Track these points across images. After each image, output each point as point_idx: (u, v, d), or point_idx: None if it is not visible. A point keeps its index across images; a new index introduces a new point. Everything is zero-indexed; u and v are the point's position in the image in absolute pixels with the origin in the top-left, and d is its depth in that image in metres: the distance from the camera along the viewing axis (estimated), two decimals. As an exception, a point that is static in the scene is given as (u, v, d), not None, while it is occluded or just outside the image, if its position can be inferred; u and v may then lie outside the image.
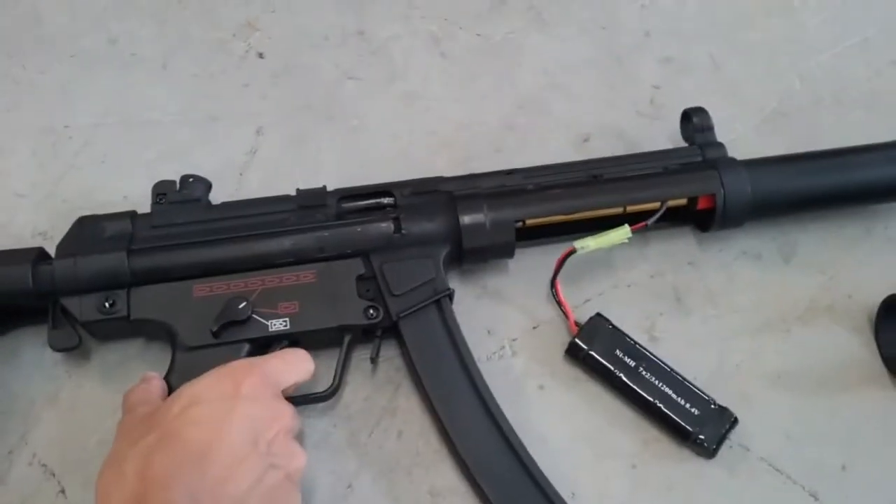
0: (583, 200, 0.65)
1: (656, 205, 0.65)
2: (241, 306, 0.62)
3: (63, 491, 0.62)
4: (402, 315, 0.63)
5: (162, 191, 0.66)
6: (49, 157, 0.74)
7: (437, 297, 0.63)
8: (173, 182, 0.66)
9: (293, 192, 0.67)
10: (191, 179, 0.66)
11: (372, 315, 0.63)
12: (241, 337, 0.62)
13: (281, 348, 0.62)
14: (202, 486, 0.49)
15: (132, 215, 0.65)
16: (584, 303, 0.69)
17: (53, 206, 0.72)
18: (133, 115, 0.77)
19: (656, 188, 0.66)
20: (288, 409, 0.55)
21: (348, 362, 0.65)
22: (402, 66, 0.80)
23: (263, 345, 0.63)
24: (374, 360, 0.64)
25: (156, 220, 0.65)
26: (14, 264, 0.62)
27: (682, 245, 0.72)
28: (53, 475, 0.62)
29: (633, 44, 0.82)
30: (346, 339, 0.63)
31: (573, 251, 0.64)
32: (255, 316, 0.62)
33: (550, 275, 0.67)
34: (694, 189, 0.66)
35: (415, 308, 0.63)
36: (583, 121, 0.78)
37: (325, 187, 0.67)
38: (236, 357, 0.61)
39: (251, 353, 0.62)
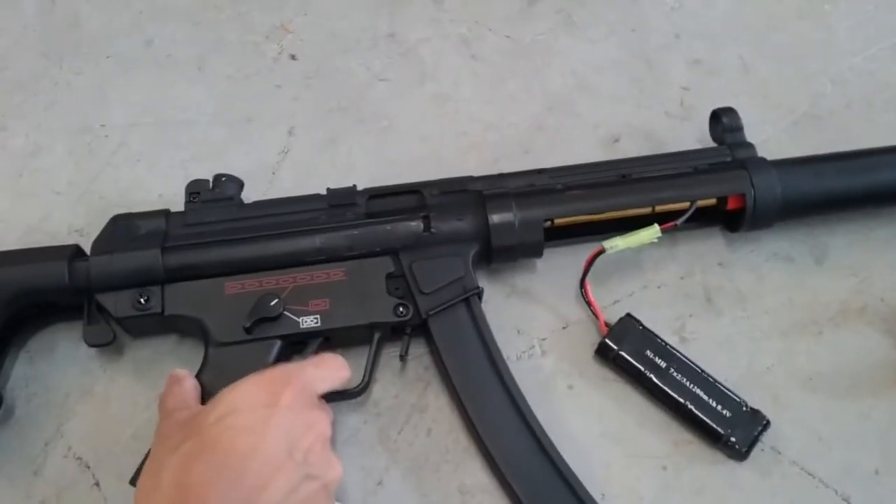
0: (611, 200, 0.66)
1: (685, 205, 0.66)
2: (273, 303, 0.62)
3: (97, 484, 0.63)
4: (431, 313, 0.63)
5: (195, 189, 0.67)
6: (85, 156, 0.76)
7: (466, 296, 0.64)
8: (206, 181, 0.67)
9: (324, 192, 0.68)
10: (224, 179, 0.67)
11: (401, 313, 0.63)
12: (272, 333, 0.62)
13: (314, 348, 0.63)
14: (239, 494, 0.49)
15: (166, 213, 0.66)
16: (613, 303, 0.69)
17: (89, 203, 0.73)
18: (168, 116, 0.78)
19: (685, 188, 0.66)
20: (324, 418, 0.55)
21: (378, 360, 0.65)
22: (432, 68, 0.81)
23: (295, 342, 0.63)
24: (403, 358, 0.65)
25: (189, 219, 0.66)
26: (51, 261, 0.63)
27: (711, 246, 0.71)
28: (88, 468, 0.63)
29: (662, 45, 0.82)
30: (376, 336, 0.64)
31: (602, 251, 0.64)
32: (286, 313, 0.63)
33: (579, 275, 0.67)
34: (723, 189, 0.66)
35: (444, 306, 0.63)
36: (612, 122, 0.78)
37: (354, 186, 0.68)
38: (268, 353, 0.62)
39: (283, 351, 0.63)
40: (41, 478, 0.63)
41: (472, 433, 0.63)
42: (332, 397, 0.62)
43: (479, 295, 0.65)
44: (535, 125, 0.78)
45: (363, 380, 0.63)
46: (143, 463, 0.59)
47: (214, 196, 0.67)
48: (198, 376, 0.61)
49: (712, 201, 0.66)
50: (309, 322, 0.63)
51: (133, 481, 0.59)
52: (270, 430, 0.51)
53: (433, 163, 0.75)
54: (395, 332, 0.65)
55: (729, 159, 0.68)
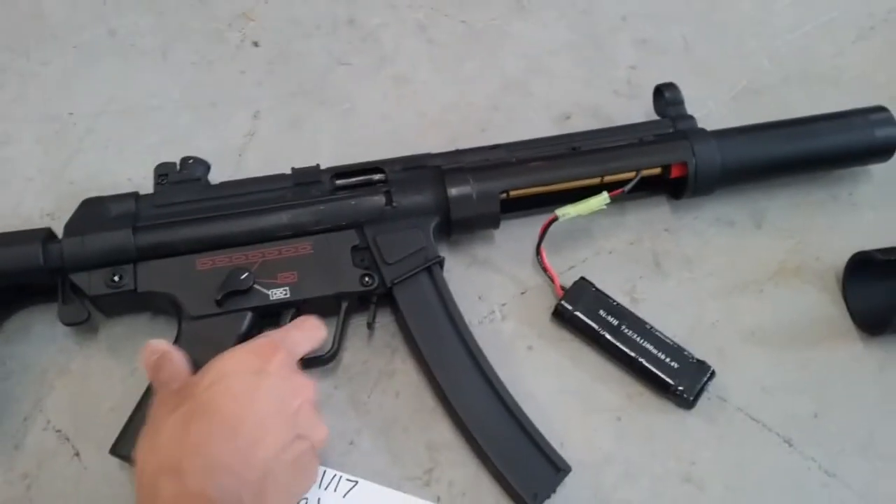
0: (563, 171, 0.69)
1: (632, 174, 0.70)
2: (243, 277, 0.65)
3: (77, 454, 0.65)
4: (396, 281, 0.66)
5: (163, 172, 0.69)
6: (54, 144, 0.78)
7: (428, 264, 0.67)
8: (174, 164, 0.69)
9: (289, 172, 0.71)
10: (190, 161, 0.70)
11: (367, 282, 0.67)
12: (243, 306, 0.65)
13: (286, 320, 0.66)
14: (234, 451, 0.52)
15: (136, 195, 0.68)
16: (567, 269, 0.73)
17: (60, 188, 0.75)
18: (135, 103, 0.80)
19: (632, 158, 0.70)
20: (310, 383, 0.58)
21: (346, 327, 0.68)
22: (391, 52, 0.84)
23: (264, 314, 0.66)
24: (370, 326, 0.68)
25: (158, 200, 0.68)
26: (25, 243, 0.65)
27: (658, 213, 0.76)
28: (67, 440, 0.66)
29: (610, 27, 0.86)
30: (344, 305, 0.67)
31: (555, 218, 0.68)
32: (256, 286, 0.65)
33: (535, 243, 0.71)
34: (667, 158, 0.70)
35: (408, 275, 0.67)
36: (563, 100, 0.82)
37: (318, 165, 0.71)
38: (240, 325, 0.65)
39: (254, 322, 0.66)
40: (22, 451, 0.65)
41: (439, 394, 0.66)
42: (305, 364, 0.65)
43: (441, 264, 0.68)
44: (490, 105, 0.82)
45: (332, 347, 0.66)
46: (122, 432, 0.62)
47: (182, 177, 0.69)
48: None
49: (657, 170, 0.71)
50: (278, 294, 0.66)
51: (113, 450, 0.62)
52: (261, 394, 0.54)
53: (394, 142, 0.77)
54: (361, 301, 0.68)
55: (671, 131, 0.72)
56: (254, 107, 0.81)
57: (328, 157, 0.73)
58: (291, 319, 0.66)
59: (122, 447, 0.61)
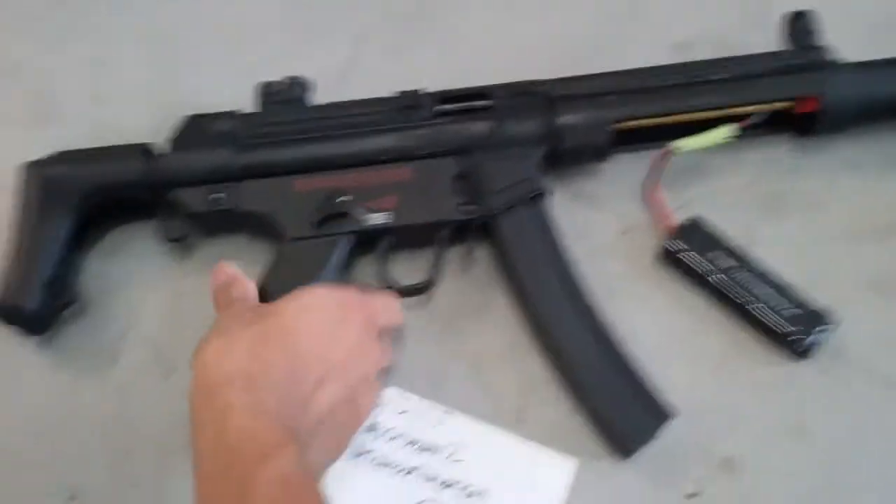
0: (682, 101, 0.65)
1: (758, 108, 0.64)
2: (342, 199, 0.63)
3: (170, 372, 0.65)
4: (498, 212, 0.64)
5: (266, 90, 0.68)
6: (155, 60, 0.77)
7: (533, 195, 0.64)
8: (277, 83, 0.68)
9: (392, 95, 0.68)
10: (294, 80, 0.68)
11: (468, 211, 0.64)
12: (342, 230, 0.64)
13: (383, 248, 0.65)
14: (299, 385, 0.52)
15: (239, 114, 0.67)
16: (678, 208, 0.68)
17: (160, 104, 0.74)
18: (236, 21, 0.79)
19: (759, 89, 0.65)
20: (377, 351, 0.58)
21: (443, 257, 0.66)
22: (499, -26, 0.80)
23: (362, 239, 0.65)
24: (468, 257, 0.66)
25: (261, 119, 0.67)
26: (128, 158, 0.66)
27: (778, 154, 0.70)
28: (161, 357, 0.66)
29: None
30: (443, 234, 0.65)
31: (670, 152, 0.63)
32: (355, 210, 0.64)
33: (643, 181, 0.67)
34: (798, 89, 0.65)
35: (511, 205, 0.64)
36: (681, 30, 0.76)
37: (422, 89, 0.68)
38: (337, 249, 0.64)
39: (351, 247, 0.64)
40: (117, 366, 0.66)
41: (537, 330, 0.64)
42: (402, 292, 0.64)
43: (546, 195, 0.65)
44: (602, 32, 0.77)
45: (430, 275, 0.64)
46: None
47: (285, 97, 0.67)
48: (268, 272, 0.63)
49: (786, 104, 0.65)
50: (378, 219, 0.64)
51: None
52: (336, 344, 0.54)
53: (500, 69, 0.73)
54: (460, 231, 0.66)
55: (803, 62, 0.67)
56: (356, 29, 0.78)
57: (430, 83, 0.69)
58: (388, 249, 0.65)
59: None
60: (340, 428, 0.55)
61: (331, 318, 0.55)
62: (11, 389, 0.65)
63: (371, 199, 0.64)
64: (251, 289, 0.59)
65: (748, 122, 0.64)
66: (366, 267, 0.67)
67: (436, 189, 0.65)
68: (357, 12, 0.79)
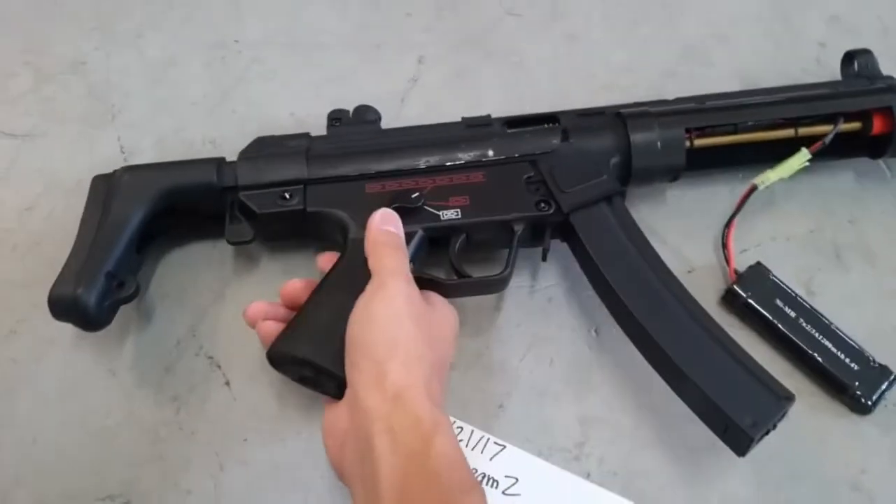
0: (756, 114, 0.65)
1: (828, 128, 0.65)
2: (414, 195, 0.63)
3: (227, 383, 0.64)
4: (574, 209, 0.63)
5: (336, 117, 0.68)
6: (220, 70, 0.77)
7: (609, 194, 0.64)
8: (347, 111, 0.68)
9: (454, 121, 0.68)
10: (363, 109, 0.68)
11: (543, 207, 0.64)
12: (413, 225, 0.63)
13: (455, 246, 0.63)
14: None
15: (308, 136, 0.67)
16: (741, 252, 0.68)
17: (223, 115, 0.75)
18: (301, 37, 0.79)
19: (833, 104, 0.66)
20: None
21: (517, 253, 0.64)
22: (564, 7, 0.81)
23: (434, 235, 0.63)
24: (545, 253, 0.65)
25: (331, 141, 0.67)
26: (201, 164, 0.65)
27: (843, 201, 0.71)
28: (219, 367, 0.65)
29: (801, 1, 0.80)
30: (518, 229, 0.63)
31: (754, 188, 0.64)
32: (426, 206, 0.63)
33: (709, 218, 0.68)
34: (870, 103, 0.65)
35: (587, 203, 0.63)
36: (746, 73, 0.77)
37: (489, 115, 0.68)
38: (409, 245, 0.61)
39: (422, 244, 0.63)
40: (173, 374, 0.65)
41: (626, 323, 0.61)
42: (478, 289, 0.63)
43: (623, 195, 0.64)
44: (666, 70, 0.77)
45: (506, 269, 0.63)
46: (284, 331, 0.59)
47: (355, 122, 0.67)
48: (336, 268, 0.61)
49: (857, 125, 0.66)
50: (449, 215, 0.63)
51: (271, 352, 0.59)
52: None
53: (562, 101, 0.73)
54: (534, 233, 0.65)
55: (872, 87, 0.67)
56: (419, 52, 0.78)
57: (492, 111, 0.70)
58: (461, 246, 0.63)
59: (284, 346, 0.58)
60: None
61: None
62: (69, 393, 0.64)
63: (444, 198, 0.64)
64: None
65: (820, 143, 0.64)
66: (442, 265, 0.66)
67: (509, 188, 0.64)
68: (420, 35, 0.79)
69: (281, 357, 0.58)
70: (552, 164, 0.64)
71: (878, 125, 0.66)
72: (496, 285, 0.64)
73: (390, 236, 0.59)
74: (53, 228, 0.70)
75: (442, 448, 0.48)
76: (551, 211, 0.63)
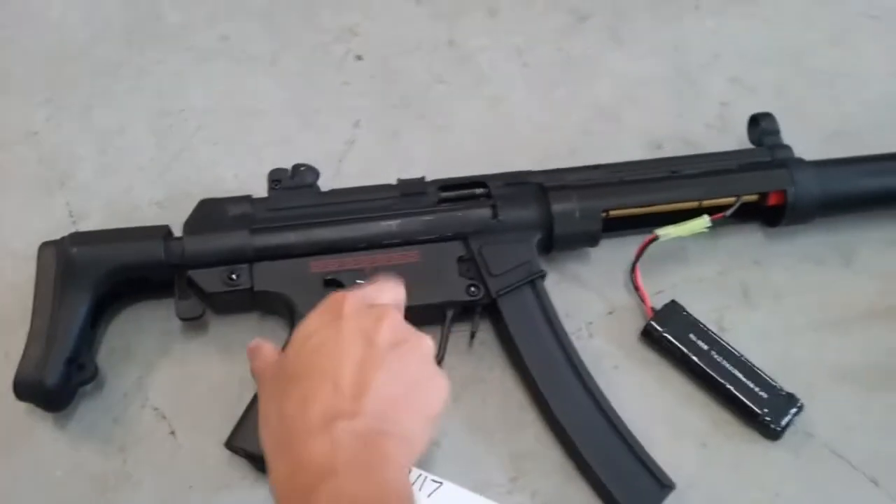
0: (664, 193, 0.71)
1: (730, 200, 0.71)
2: (357, 281, 0.67)
3: (173, 432, 0.67)
4: (501, 293, 0.68)
5: (276, 177, 0.71)
6: (166, 137, 0.81)
7: (532, 278, 0.69)
8: (286, 170, 0.71)
9: (388, 181, 0.73)
10: (302, 168, 0.72)
11: (473, 292, 0.68)
12: None
13: None
14: (342, 398, 0.50)
15: (250, 199, 0.70)
16: (656, 293, 0.73)
17: (169, 179, 0.78)
18: (242, 105, 0.84)
19: (732, 184, 0.71)
20: (390, 308, 0.55)
21: (449, 336, 0.69)
22: (488, 73, 0.87)
23: None
24: (473, 335, 0.70)
25: (272, 204, 0.70)
26: (147, 239, 0.68)
27: (748, 245, 0.76)
28: (164, 418, 0.67)
29: (702, 64, 0.88)
30: (449, 314, 0.68)
31: (655, 238, 0.69)
32: None
33: (627, 265, 0.73)
34: (767, 185, 0.71)
35: (512, 287, 0.68)
36: (655, 130, 0.83)
37: (423, 177, 0.73)
38: None
39: None
40: (120, 425, 0.67)
41: (539, 404, 0.67)
42: None
43: (543, 277, 0.69)
44: (582, 129, 0.84)
45: (437, 354, 0.66)
46: (237, 426, 0.64)
47: (294, 184, 0.71)
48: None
49: (755, 197, 0.72)
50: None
51: (228, 444, 0.63)
52: (344, 335, 0.52)
53: (488, 159, 0.79)
54: (465, 311, 0.69)
55: (769, 159, 0.74)
56: (355, 116, 0.84)
57: (424, 170, 0.75)
58: None
59: (237, 440, 0.63)
60: (413, 383, 0.53)
61: (326, 325, 0.54)
62: (18, 445, 0.66)
63: None
64: (268, 351, 0.58)
65: (721, 215, 0.70)
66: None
67: (442, 271, 0.69)
68: (356, 100, 0.85)
69: (234, 450, 0.64)
70: (482, 243, 0.69)
71: (773, 199, 0.72)
72: None
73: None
74: (3, 293, 0.72)
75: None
76: (481, 295, 0.68)
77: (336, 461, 0.47)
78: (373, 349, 0.52)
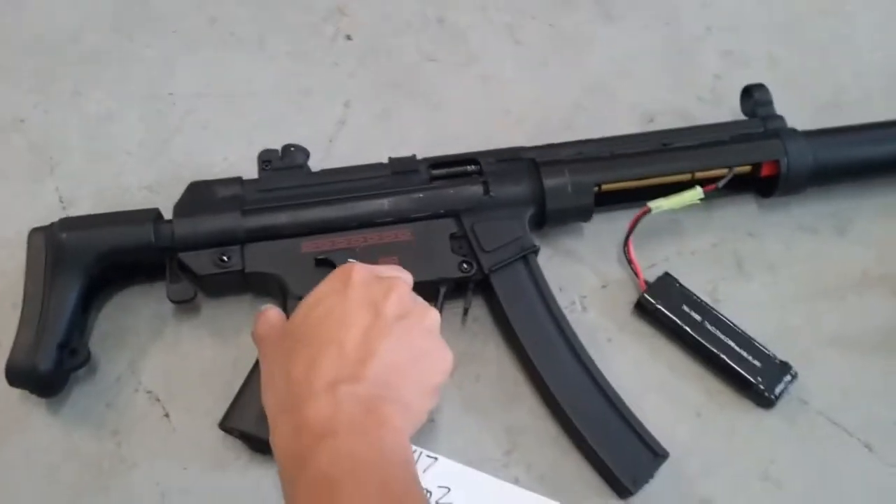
0: (656, 166, 0.71)
1: (723, 171, 0.70)
2: (348, 260, 0.66)
3: (167, 415, 0.67)
4: (493, 269, 0.68)
5: (266, 158, 0.71)
6: (155, 121, 0.81)
7: (525, 253, 0.68)
8: (276, 151, 0.71)
9: (379, 161, 0.72)
10: (292, 148, 0.71)
11: (465, 269, 0.68)
12: None
13: None
14: (346, 364, 0.51)
15: (240, 180, 0.70)
16: (650, 266, 0.73)
17: (159, 163, 0.78)
18: (232, 87, 0.83)
19: (725, 155, 0.71)
20: (398, 280, 0.57)
21: (441, 312, 0.68)
22: (479, 51, 0.86)
23: None
24: (465, 311, 0.69)
25: (262, 185, 0.70)
26: (137, 223, 0.67)
27: (742, 217, 0.76)
28: (158, 401, 0.67)
29: (695, 37, 0.88)
30: (442, 291, 0.68)
31: (648, 211, 0.69)
32: None
33: (620, 239, 0.73)
34: (759, 155, 0.71)
35: (505, 262, 0.68)
36: (647, 103, 0.83)
37: (415, 156, 0.72)
38: None
39: None
40: (113, 409, 0.67)
41: (533, 378, 0.67)
42: None
43: (536, 253, 0.69)
44: (574, 104, 0.83)
45: None
46: (231, 407, 0.63)
47: (284, 164, 0.70)
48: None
49: (748, 168, 0.71)
50: None
51: (222, 424, 0.63)
52: (353, 303, 0.54)
53: (480, 136, 0.78)
54: (458, 288, 0.69)
55: (762, 130, 0.73)
56: (345, 97, 0.83)
57: (416, 148, 0.74)
58: None
59: (231, 421, 0.63)
60: (417, 353, 0.55)
61: (334, 292, 0.55)
62: (12, 431, 0.66)
63: (374, 259, 0.67)
64: (274, 316, 0.59)
65: (714, 186, 0.69)
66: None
67: (435, 248, 0.68)
68: (346, 81, 0.84)
69: (229, 430, 0.64)
70: (474, 220, 0.69)
71: (766, 170, 0.72)
72: None
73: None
74: (-5, 279, 0.72)
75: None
76: (473, 271, 0.68)
77: (337, 422, 0.49)
78: (379, 319, 0.53)
